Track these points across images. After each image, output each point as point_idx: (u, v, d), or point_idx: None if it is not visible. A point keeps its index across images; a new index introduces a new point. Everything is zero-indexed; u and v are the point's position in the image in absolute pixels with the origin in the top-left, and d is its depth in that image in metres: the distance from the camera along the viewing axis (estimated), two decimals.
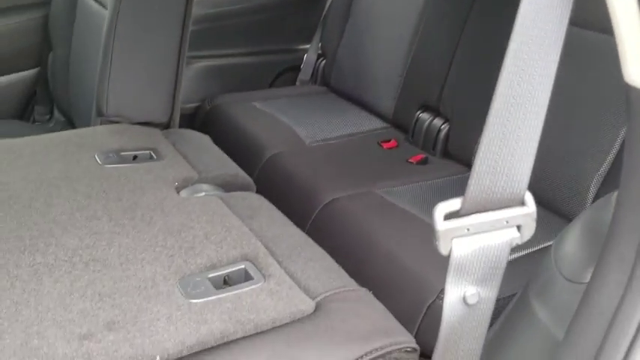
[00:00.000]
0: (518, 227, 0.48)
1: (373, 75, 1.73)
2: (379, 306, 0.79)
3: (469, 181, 0.47)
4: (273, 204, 1.02)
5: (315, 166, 1.42)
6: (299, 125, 1.60)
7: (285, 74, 1.99)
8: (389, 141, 1.60)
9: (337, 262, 0.88)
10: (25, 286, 0.71)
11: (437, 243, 0.48)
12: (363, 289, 0.82)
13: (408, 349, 0.70)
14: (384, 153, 1.55)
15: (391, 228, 1.16)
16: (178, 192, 1.00)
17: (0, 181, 0.94)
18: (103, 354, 0.62)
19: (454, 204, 0.48)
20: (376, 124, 1.68)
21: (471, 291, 0.49)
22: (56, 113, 1.68)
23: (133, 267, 0.77)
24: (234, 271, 0.80)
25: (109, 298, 0.71)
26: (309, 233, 0.96)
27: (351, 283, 0.83)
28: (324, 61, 1.93)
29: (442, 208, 0.48)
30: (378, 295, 0.81)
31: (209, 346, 0.66)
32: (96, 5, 1.31)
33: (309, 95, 1.87)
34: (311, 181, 1.35)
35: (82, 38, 1.41)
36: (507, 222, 0.48)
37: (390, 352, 0.69)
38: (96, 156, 1.05)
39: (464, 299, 0.49)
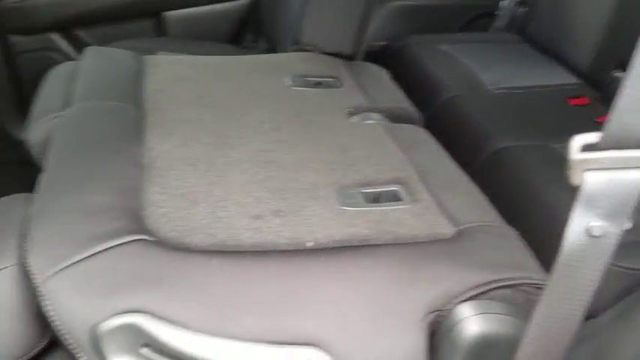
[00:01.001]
0: None
1: (573, 27, 1.62)
2: (521, 244, 0.80)
3: (609, 116, 0.47)
4: (443, 143, 1.06)
5: (491, 112, 1.41)
6: (483, 71, 1.58)
7: (479, 20, 1.94)
8: (578, 97, 1.51)
9: (495, 207, 0.90)
10: (218, 172, 0.88)
11: (568, 172, 0.50)
12: (509, 227, 0.84)
13: (540, 286, 0.72)
14: (570, 109, 1.47)
15: (558, 183, 1.12)
16: (350, 117, 1.09)
17: (211, 89, 1.12)
18: (268, 232, 0.75)
19: (592, 137, 0.49)
20: (568, 79, 1.58)
21: (597, 223, 0.50)
22: (262, 41, 1.89)
23: (301, 172, 0.89)
24: (385, 191, 0.87)
25: (279, 192, 0.84)
26: (472, 176, 0.99)
27: (499, 221, 0.86)
28: (522, 9, 1.84)
29: (579, 139, 0.49)
30: (530, 246, 0.82)
31: (352, 245, 0.75)
32: None
33: (500, 43, 1.81)
34: (484, 126, 1.35)
35: None
36: None
37: (520, 285, 0.71)
38: (287, 78, 1.19)
39: (588, 230, 0.50)
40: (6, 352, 0.70)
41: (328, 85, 1.20)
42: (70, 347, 0.64)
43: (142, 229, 0.73)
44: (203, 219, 0.77)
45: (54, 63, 1.82)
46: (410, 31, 1.84)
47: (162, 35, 1.90)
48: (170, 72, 1.18)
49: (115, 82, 1.09)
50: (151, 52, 1.62)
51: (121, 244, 0.69)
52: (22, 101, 1.88)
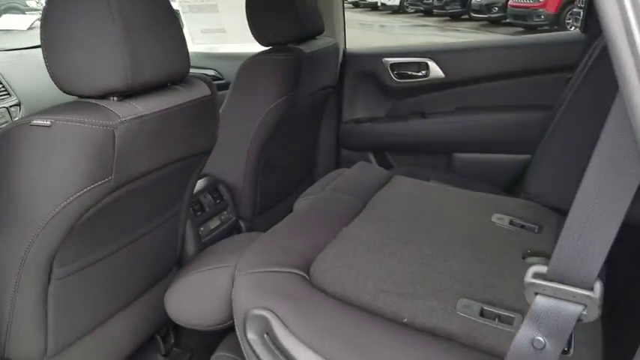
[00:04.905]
0: (585, 306, 0.58)
1: None
2: None
3: (553, 253, 0.61)
4: None
5: None
6: None
7: None
8: None
9: None
10: (381, 256, 1.16)
11: (524, 291, 0.64)
12: None
13: None
14: None
15: None
16: (524, 259, 1.22)
17: (423, 207, 1.42)
18: (384, 303, 1.01)
19: (543, 268, 0.62)
20: None
21: (539, 338, 0.61)
22: None
23: (444, 276, 1.10)
24: (505, 315, 1.00)
25: (414, 283, 1.07)
26: None
27: None
28: None
29: (535, 268, 0.63)
30: None
31: (437, 335, 0.94)
32: None
33: None
34: None
35: None
36: (575, 297, 0.58)
37: None
38: (496, 216, 1.40)
39: (532, 341, 0.62)
40: (212, 322, 1.14)
41: (529, 230, 1.35)
42: (235, 324, 1.03)
43: (305, 269, 1.09)
44: (350, 277, 1.07)
45: None
46: None
47: (450, 171, 2.28)
48: (403, 190, 1.53)
49: (358, 185, 1.51)
50: (426, 179, 2.01)
51: (287, 272, 1.06)
52: None
